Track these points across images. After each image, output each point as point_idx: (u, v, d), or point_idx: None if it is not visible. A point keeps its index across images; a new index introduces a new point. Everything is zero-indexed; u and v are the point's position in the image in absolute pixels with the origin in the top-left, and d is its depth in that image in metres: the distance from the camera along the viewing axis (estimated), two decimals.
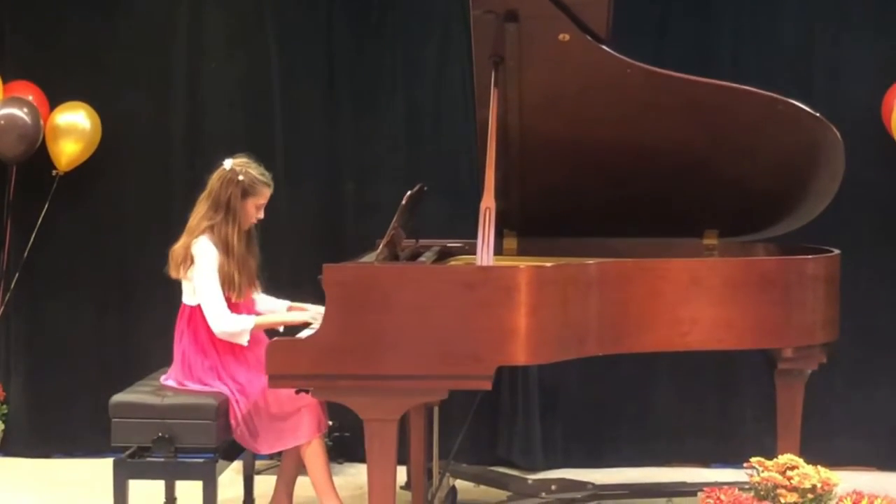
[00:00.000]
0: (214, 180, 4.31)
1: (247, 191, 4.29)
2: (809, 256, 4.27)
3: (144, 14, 5.78)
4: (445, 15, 5.65)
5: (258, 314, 4.40)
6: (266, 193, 4.35)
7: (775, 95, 4.23)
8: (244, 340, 4.18)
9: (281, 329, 4.33)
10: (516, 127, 4.35)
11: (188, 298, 4.28)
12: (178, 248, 4.26)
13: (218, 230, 4.24)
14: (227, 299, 4.23)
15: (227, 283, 4.22)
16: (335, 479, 4.35)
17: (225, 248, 4.23)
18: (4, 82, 5.64)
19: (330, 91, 5.72)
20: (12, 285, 5.72)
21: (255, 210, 4.33)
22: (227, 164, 4.32)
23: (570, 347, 3.84)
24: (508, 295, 3.64)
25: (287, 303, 4.55)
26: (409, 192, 4.27)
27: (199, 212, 4.29)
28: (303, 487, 4.47)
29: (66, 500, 5.07)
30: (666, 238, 4.71)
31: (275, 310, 4.51)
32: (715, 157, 4.45)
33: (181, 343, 4.29)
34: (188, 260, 4.21)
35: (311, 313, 4.25)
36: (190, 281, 4.24)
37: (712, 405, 5.65)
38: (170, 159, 5.77)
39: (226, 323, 4.16)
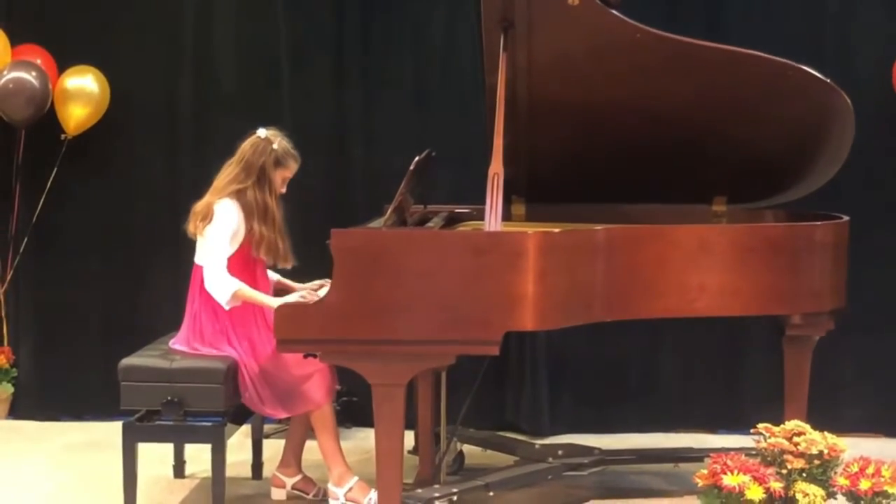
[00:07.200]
0: (247, 147, 4.31)
1: (279, 160, 4.31)
2: (818, 223, 4.26)
3: None
4: None
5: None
6: (293, 167, 4.38)
7: (786, 61, 4.21)
8: (224, 302, 4.15)
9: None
10: (525, 92, 4.33)
11: (200, 258, 4.28)
12: (201, 204, 4.27)
13: (245, 195, 4.25)
14: (272, 266, 4.36)
15: (271, 250, 4.27)
16: (343, 443, 4.37)
17: (256, 212, 4.25)
18: (13, 46, 5.63)
19: (338, 57, 5.69)
20: (21, 249, 5.72)
21: (281, 182, 4.34)
22: (262, 132, 4.33)
23: (578, 313, 3.85)
24: (516, 260, 3.64)
25: (278, 277, 4.56)
26: (417, 158, 4.26)
27: (228, 175, 4.29)
28: (311, 451, 4.49)
29: (75, 463, 5.10)
30: (674, 204, 4.70)
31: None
32: (724, 123, 4.43)
33: (193, 305, 4.30)
34: (209, 217, 4.20)
35: (296, 296, 4.23)
36: (204, 238, 4.24)
37: (719, 371, 5.65)
38: (177, 124, 5.76)
39: (217, 280, 4.14)
